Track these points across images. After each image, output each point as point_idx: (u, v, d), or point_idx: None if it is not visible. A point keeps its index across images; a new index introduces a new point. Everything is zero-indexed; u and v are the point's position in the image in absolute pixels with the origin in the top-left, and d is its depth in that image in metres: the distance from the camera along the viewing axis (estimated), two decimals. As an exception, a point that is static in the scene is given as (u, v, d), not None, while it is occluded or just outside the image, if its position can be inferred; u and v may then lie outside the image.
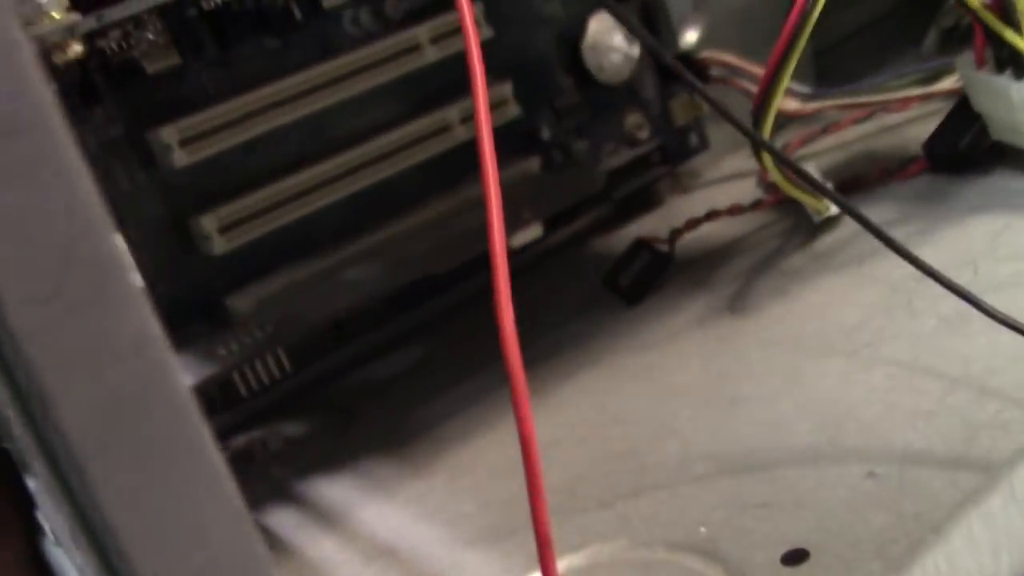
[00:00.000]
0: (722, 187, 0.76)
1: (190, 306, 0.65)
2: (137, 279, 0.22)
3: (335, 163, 0.65)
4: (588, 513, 0.45)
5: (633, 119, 0.76)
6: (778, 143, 0.72)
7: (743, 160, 0.75)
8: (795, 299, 0.57)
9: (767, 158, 0.57)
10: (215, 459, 0.23)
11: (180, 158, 0.62)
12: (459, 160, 0.68)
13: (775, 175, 0.60)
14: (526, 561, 0.43)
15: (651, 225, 0.74)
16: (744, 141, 0.70)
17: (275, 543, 0.52)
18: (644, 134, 0.76)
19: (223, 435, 0.67)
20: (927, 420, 0.43)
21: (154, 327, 0.22)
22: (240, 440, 0.66)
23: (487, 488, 0.50)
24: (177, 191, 0.63)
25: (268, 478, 0.60)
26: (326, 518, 0.53)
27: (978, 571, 0.36)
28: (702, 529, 0.41)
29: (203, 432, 0.23)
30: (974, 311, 0.45)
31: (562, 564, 0.42)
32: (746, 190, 0.71)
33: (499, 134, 0.73)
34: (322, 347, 0.70)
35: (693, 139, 0.79)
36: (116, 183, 0.61)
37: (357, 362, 0.69)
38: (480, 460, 0.53)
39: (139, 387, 0.21)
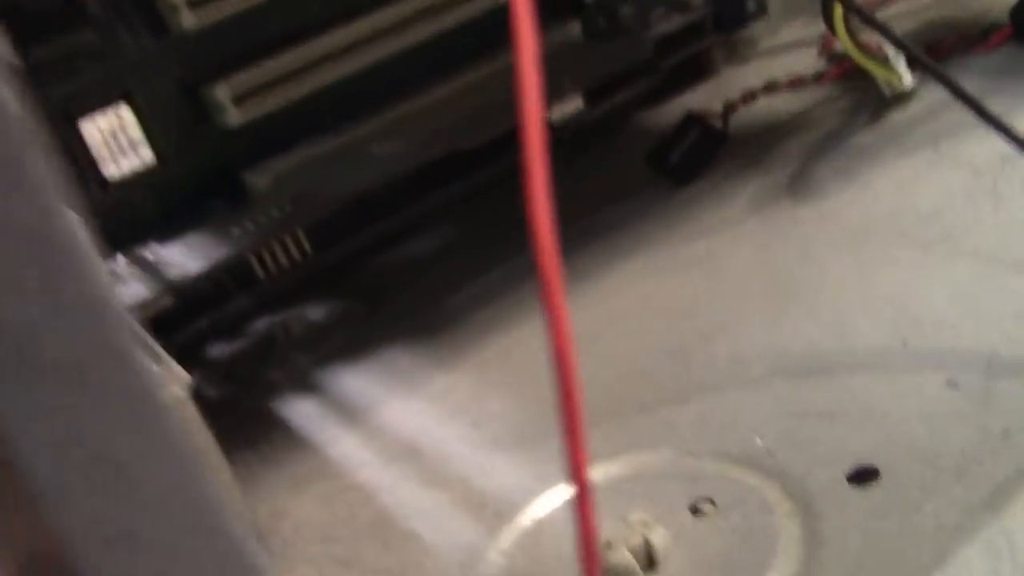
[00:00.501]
0: (781, 57, 0.70)
1: (205, 182, 0.61)
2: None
3: (358, 28, 0.59)
4: (628, 417, 0.41)
5: (685, -19, 0.69)
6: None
7: (804, 28, 0.69)
8: (863, 182, 0.52)
9: (838, 18, 0.51)
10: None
11: (189, 20, 0.56)
12: (492, 24, 0.62)
13: (844, 40, 0.54)
14: (557, 468, 0.39)
15: (703, 98, 0.68)
16: (804, 6, 0.63)
17: (294, 437, 0.49)
18: (697, -2, 0.69)
19: (243, 318, 0.63)
20: (1016, 322, 0.38)
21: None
22: (262, 323, 0.63)
23: (517, 385, 0.46)
24: (188, 58, 0.58)
25: (289, 365, 0.57)
26: (347, 412, 0.49)
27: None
28: (758, 440, 0.37)
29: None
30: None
31: (597, 473, 0.38)
32: (807, 61, 0.65)
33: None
34: (347, 228, 0.66)
35: (750, 4, 0.72)
36: (123, 50, 0.57)
37: (384, 244, 0.64)
38: (510, 353, 0.48)
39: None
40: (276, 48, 0.60)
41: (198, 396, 0.58)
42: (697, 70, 0.72)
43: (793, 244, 0.49)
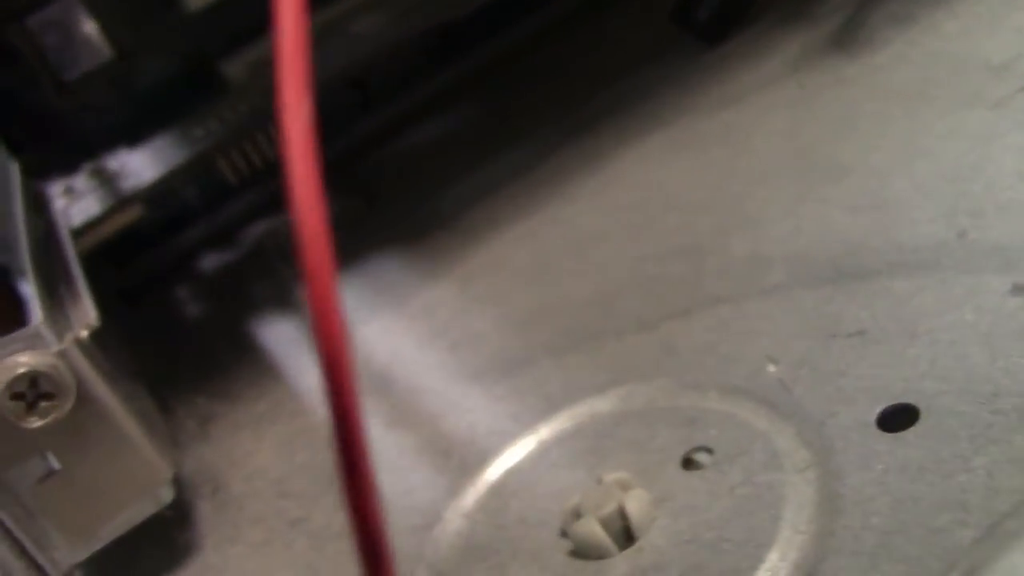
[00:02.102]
0: None
1: (175, 75, 0.54)
2: None
3: None
4: (625, 338, 0.34)
5: None
6: None
7: None
8: (924, 28, 0.43)
9: None
10: None
11: None
12: None
13: None
14: (537, 403, 0.33)
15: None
16: None
17: (265, 367, 0.43)
18: None
19: (240, 222, 0.58)
20: (1108, 203, 0.29)
21: None
22: (257, 230, 0.57)
23: (501, 299, 0.39)
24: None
25: (274, 278, 0.51)
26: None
27: None
28: (771, 367, 0.29)
29: None
30: None
31: (582, 411, 0.32)
32: None
33: None
34: (346, 118, 0.59)
35: None
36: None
37: (383, 136, 0.57)
38: (497, 261, 0.42)
39: None
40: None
41: (178, 317, 0.53)
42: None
43: (836, 111, 0.40)
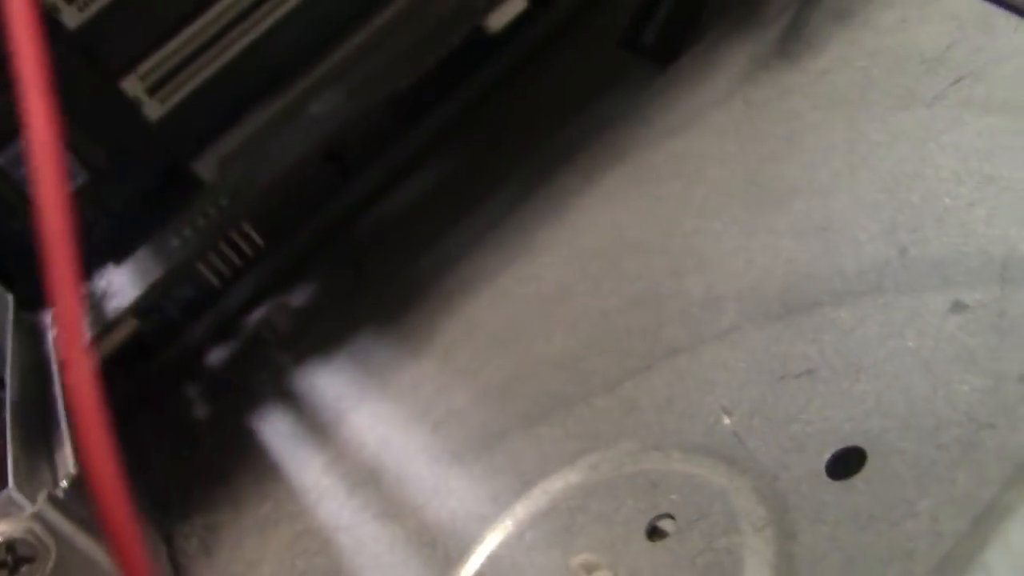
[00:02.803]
0: None
1: (156, 184, 0.55)
2: None
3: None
4: (591, 401, 0.34)
5: None
6: None
7: None
8: (862, 24, 0.42)
9: None
10: None
11: (72, 18, 0.50)
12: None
13: None
14: (512, 481, 0.33)
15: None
16: None
17: (267, 467, 0.44)
18: None
19: (239, 312, 0.59)
20: (1040, 202, 0.29)
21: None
22: (253, 320, 0.58)
23: (479, 369, 0.39)
24: (88, 57, 0.52)
25: (272, 366, 0.52)
26: (319, 426, 0.44)
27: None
28: (726, 420, 0.29)
29: None
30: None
31: (554, 486, 0.32)
32: None
33: None
34: (327, 190, 0.60)
35: None
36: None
37: (362, 205, 0.58)
38: (475, 326, 0.42)
39: None
40: (176, 23, 0.54)
41: (192, 416, 0.54)
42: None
43: (781, 127, 0.40)
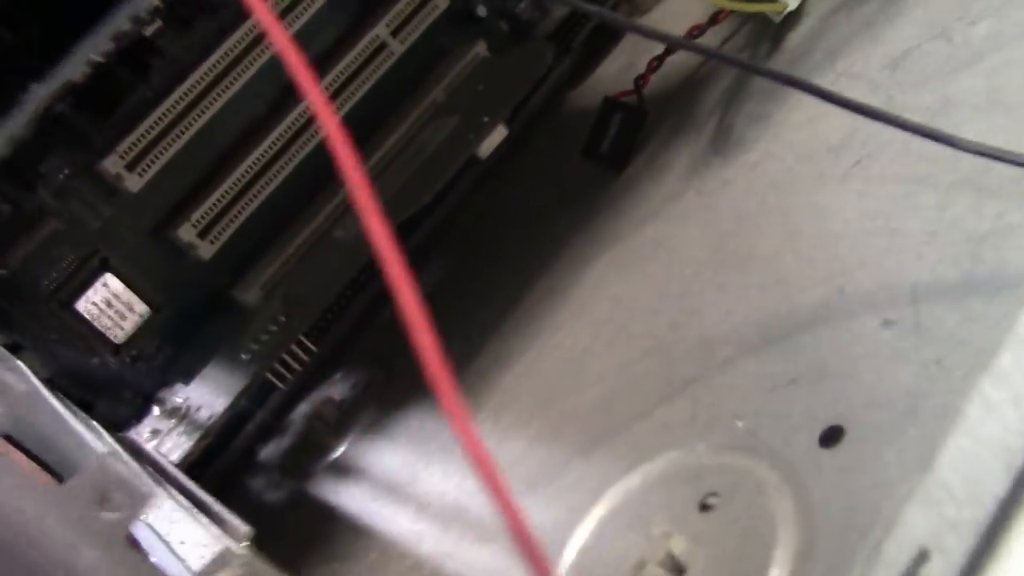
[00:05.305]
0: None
1: (202, 312, 0.66)
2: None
3: (282, 130, 0.64)
4: (631, 429, 0.45)
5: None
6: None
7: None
8: (777, 122, 0.55)
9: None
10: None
11: (134, 182, 0.61)
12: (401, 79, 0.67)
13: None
14: (584, 494, 0.44)
15: (615, 69, 0.71)
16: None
17: (359, 528, 0.54)
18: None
19: (282, 412, 0.69)
20: (930, 243, 0.41)
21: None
22: (299, 417, 0.68)
23: (527, 423, 0.50)
24: (145, 212, 0.63)
25: (329, 452, 0.62)
26: (395, 489, 0.54)
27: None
28: (739, 423, 0.41)
29: None
30: (959, 95, 0.44)
31: (619, 492, 0.43)
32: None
33: (437, 26, 0.71)
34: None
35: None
36: (85, 223, 0.61)
37: (379, 305, 0.69)
38: (514, 395, 0.53)
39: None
40: (218, 174, 0.65)
41: (265, 507, 0.63)
42: (604, 38, 0.76)
43: (728, 210, 0.53)
